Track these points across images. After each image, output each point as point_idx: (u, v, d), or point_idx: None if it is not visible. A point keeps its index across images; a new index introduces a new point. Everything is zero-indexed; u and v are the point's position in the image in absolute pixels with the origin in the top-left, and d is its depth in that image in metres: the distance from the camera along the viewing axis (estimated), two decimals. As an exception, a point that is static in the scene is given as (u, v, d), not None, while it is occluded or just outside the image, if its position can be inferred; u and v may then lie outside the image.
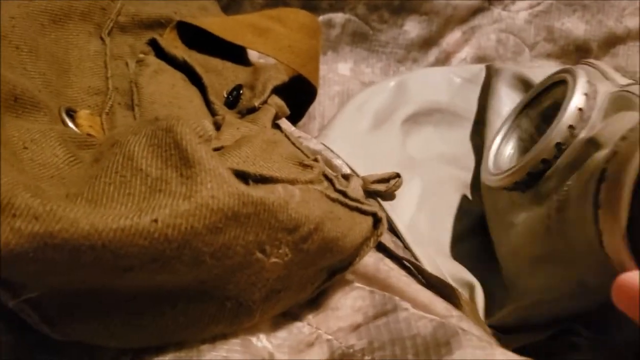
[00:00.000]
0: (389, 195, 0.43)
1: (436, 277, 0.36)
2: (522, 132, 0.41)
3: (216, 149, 0.32)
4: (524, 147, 0.41)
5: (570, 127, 0.33)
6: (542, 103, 0.41)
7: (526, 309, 0.35)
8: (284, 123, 0.45)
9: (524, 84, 0.53)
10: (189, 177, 0.24)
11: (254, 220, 0.25)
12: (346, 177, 0.41)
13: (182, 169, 0.24)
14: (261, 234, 0.25)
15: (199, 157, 0.24)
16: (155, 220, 0.23)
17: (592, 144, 0.31)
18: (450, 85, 0.54)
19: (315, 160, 0.35)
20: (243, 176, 0.29)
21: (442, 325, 0.28)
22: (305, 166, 0.34)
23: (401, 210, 0.42)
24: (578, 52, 0.62)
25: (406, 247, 0.40)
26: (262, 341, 0.28)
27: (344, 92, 0.54)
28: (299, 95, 0.51)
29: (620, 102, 0.32)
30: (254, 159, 0.31)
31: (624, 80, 0.36)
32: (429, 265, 0.38)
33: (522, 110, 0.42)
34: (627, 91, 0.33)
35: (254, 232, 0.25)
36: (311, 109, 0.53)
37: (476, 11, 0.60)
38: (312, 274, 0.29)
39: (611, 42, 0.61)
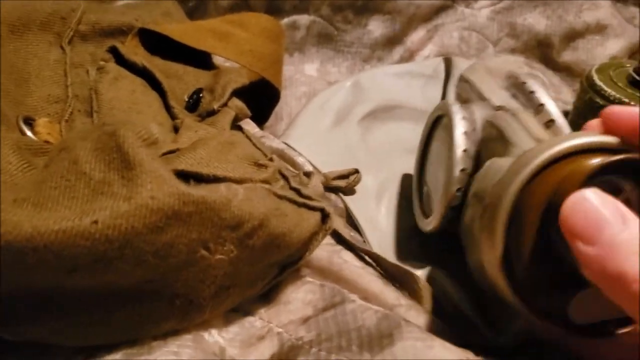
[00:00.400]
0: (350, 191, 0.44)
1: (393, 265, 0.37)
2: (433, 171, 0.42)
3: (172, 151, 0.33)
4: None
5: (462, 170, 0.34)
6: (435, 139, 0.41)
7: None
8: (248, 124, 0.46)
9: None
10: (130, 179, 0.25)
11: (196, 219, 0.26)
12: (308, 174, 0.42)
13: (123, 172, 0.25)
14: (204, 232, 0.26)
15: (139, 160, 0.25)
16: (96, 222, 0.23)
17: (476, 198, 0.32)
18: (408, 82, 0.55)
19: (271, 159, 0.36)
20: (193, 177, 0.30)
21: (386, 317, 0.29)
22: (260, 165, 0.35)
23: (361, 203, 0.43)
24: (540, 47, 0.63)
25: (364, 239, 0.41)
26: (213, 336, 0.29)
27: (310, 93, 0.55)
28: (263, 97, 0.52)
29: (489, 133, 0.33)
30: (209, 160, 0.32)
31: (497, 96, 0.37)
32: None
33: (424, 147, 0.43)
34: (492, 121, 0.34)
35: (196, 230, 0.26)
36: (278, 109, 0.54)
37: (440, 9, 0.62)
38: (261, 269, 0.30)
39: (571, 37, 0.62)
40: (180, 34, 0.46)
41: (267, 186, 0.30)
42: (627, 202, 0.25)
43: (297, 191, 0.35)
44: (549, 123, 0.31)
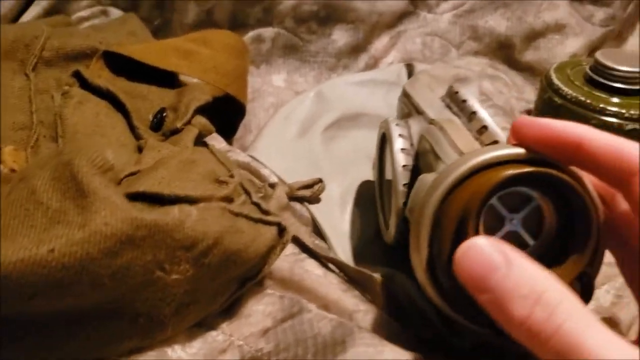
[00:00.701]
0: (315, 200, 0.46)
1: (355, 270, 0.38)
2: (387, 185, 0.43)
3: (133, 173, 0.34)
4: None
5: (405, 184, 0.36)
6: (386, 155, 0.43)
7: None
8: (214, 139, 0.47)
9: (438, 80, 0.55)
10: (84, 207, 0.26)
11: (150, 242, 0.27)
12: (272, 185, 0.44)
13: (78, 200, 0.26)
14: (159, 253, 0.27)
15: (93, 188, 0.26)
16: (52, 250, 0.25)
17: (410, 213, 0.33)
18: (370, 89, 0.56)
19: (231, 176, 0.38)
20: (154, 198, 0.31)
21: (340, 325, 0.31)
22: (221, 182, 0.36)
23: (326, 211, 0.44)
24: (502, 48, 0.64)
25: (330, 247, 0.42)
26: (176, 352, 0.30)
27: (278, 103, 0.57)
28: (230, 111, 0.53)
29: (423, 146, 0.35)
30: (170, 180, 0.33)
31: (432, 108, 0.38)
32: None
33: (380, 162, 0.44)
34: (425, 135, 0.35)
35: (151, 252, 0.27)
36: (247, 121, 0.55)
37: (402, 16, 0.63)
38: (221, 285, 0.31)
39: (532, 37, 0.64)
40: (143, 55, 0.47)
41: (223, 204, 0.31)
42: (539, 210, 0.27)
43: (258, 206, 0.36)
44: (482, 129, 0.33)
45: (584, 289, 0.26)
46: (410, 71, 0.57)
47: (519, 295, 0.22)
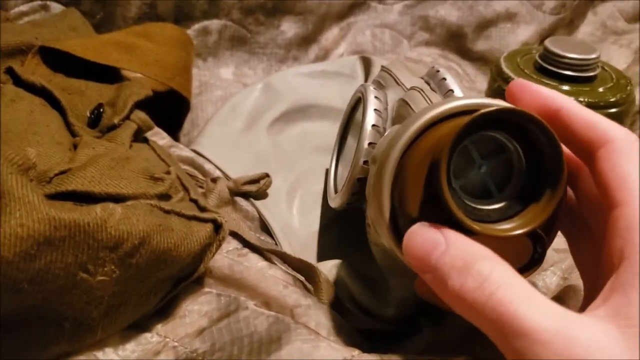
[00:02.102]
0: (261, 195, 0.45)
1: (297, 260, 0.37)
2: (348, 150, 0.43)
3: (63, 172, 0.33)
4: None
5: (370, 144, 0.35)
6: (354, 121, 0.43)
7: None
8: (157, 135, 0.46)
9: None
10: (-1, 209, 0.25)
11: (70, 243, 0.26)
12: (214, 180, 0.43)
13: (-7, 201, 0.25)
14: (81, 254, 0.26)
15: (8, 188, 0.25)
16: (-36, 254, 0.24)
17: (372, 161, 0.33)
18: (321, 81, 0.55)
19: (168, 172, 0.37)
20: (85, 196, 0.30)
21: (276, 321, 0.30)
22: (156, 179, 0.35)
23: (273, 206, 0.44)
24: (454, 38, 0.64)
25: (276, 242, 0.42)
26: (108, 355, 0.29)
27: (226, 97, 0.56)
28: (175, 106, 0.52)
29: (400, 111, 0.35)
30: (100, 178, 0.32)
31: (411, 82, 0.38)
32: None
33: (344, 129, 0.44)
34: (403, 98, 0.35)
35: (72, 254, 0.26)
36: (194, 115, 0.54)
37: (353, 7, 0.62)
38: (153, 285, 0.30)
39: (483, 26, 0.64)
40: (82, 50, 0.46)
41: (152, 202, 0.31)
42: (509, 163, 0.26)
43: (196, 202, 0.36)
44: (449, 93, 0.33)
45: (535, 255, 0.26)
46: (368, 65, 0.56)
47: (455, 269, 0.23)
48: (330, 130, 0.51)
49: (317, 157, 0.48)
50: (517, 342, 0.21)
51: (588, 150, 0.26)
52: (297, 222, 0.45)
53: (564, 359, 0.20)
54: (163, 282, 0.31)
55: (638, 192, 0.23)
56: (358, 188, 0.36)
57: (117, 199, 0.31)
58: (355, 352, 0.29)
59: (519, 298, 0.22)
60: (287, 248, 0.42)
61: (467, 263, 0.23)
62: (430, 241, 0.24)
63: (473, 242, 0.24)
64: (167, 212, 0.31)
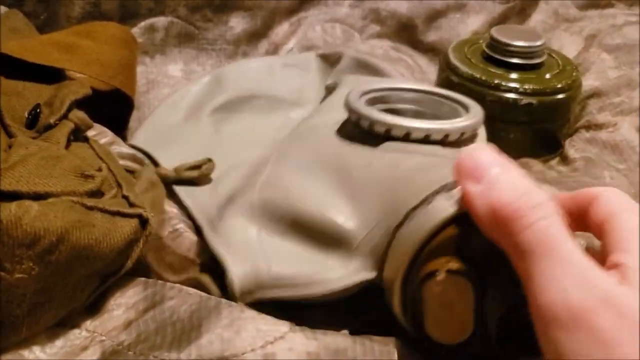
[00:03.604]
0: (205, 180, 0.45)
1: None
2: None
3: (-9, 172, 0.33)
4: None
5: None
6: None
7: None
8: (101, 134, 0.46)
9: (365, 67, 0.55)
10: None
11: (-17, 241, 0.26)
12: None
13: None
14: (-4, 252, 0.26)
15: None
16: None
17: None
18: (271, 72, 0.55)
19: (99, 169, 0.37)
20: (13, 196, 0.30)
21: (199, 309, 0.30)
22: (87, 177, 0.35)
23: (200, 197, 0.43)
24: (405, 30, 0.65)
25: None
26: (35, 353, 0.30)
27: (175, 94, 0.56)
28: (121, 105, 0.52)
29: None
30: (28, 177, 0.32)
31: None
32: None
33: None
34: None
35: (-15, 252, 0.26)
36: (142, 114, 0.54)
37: (303, 1, 0.62)
38: (77, 281, 0.30)
39: (433, 17, 0.64)
40: (20, 51, 0.46)
41: (75, 198, 0.31)
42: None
43: (127, 198, 0.36)
44: None
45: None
46: (331, 60, 0.57)
47: (512, 186, 0.25)
48: (275, 122, 0.51)
49: (254, 150, 0.47)
50: (548, 268, 0.23)
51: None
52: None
53: (587, 295, 0.22)
54: (89, 278, 0.31)
55: None
56: None
57: (44, 197, 0.31)
58: (282, 330, 0.29)
59: (563, 231, 0.24)
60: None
61: (525, 187, 0.25)
62: (494, 158, 0.26)
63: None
64: (90, 208, 0.31)
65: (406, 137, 0.36)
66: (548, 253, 0.23)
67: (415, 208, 0.29)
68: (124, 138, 0.50)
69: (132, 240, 0.32)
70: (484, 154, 0.27)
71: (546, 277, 0.23)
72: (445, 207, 0.28)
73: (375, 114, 0.37)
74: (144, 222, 0.33)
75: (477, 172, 0.26)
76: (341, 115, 0.41)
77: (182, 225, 0.39)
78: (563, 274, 0.22)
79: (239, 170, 0.45)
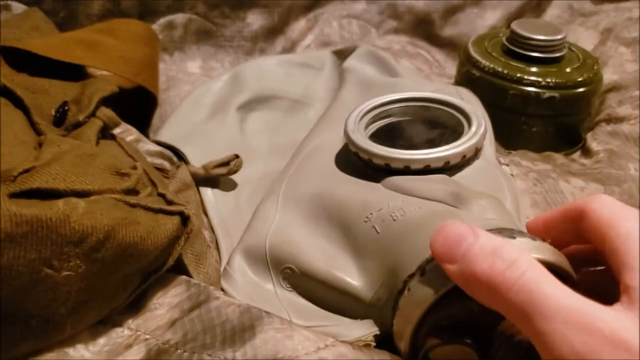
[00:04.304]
0: (231, 183, 0.45)
1: None
2: None
3: (27, 170, 0.32)
4: None
5: None
6: None
7: None
8: (126, 131, 0.46)
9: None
10: (-43, 206, 0.24)
11: (33, 239, 0.25)
12: (177, 167, 0.43)
13: (-49, 200, 0.25)
14: (44, 250, 0.26)
15: (-34, 186, 0.25)
16: None
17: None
18: (288, 72, 0.55)
19: (135, 167, 0.36)
20: (50, 194, 0.29)
21: (248, 310, 0.30)
22: (123, 175, 0.35)
23: (224, 199, 0.43)
24: (422, 25, 0.64)
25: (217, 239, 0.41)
26: (79, 351, 0.29)
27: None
28: (143, 102, 0.52)
29: None
30: (65, 175, 0.32)
31: None
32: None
33: None
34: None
35: (35, 249, 0.26)
36: (164, 111, 0.53)
37: (319, -2, 0.62)
38: (120, 279, 0.30)
39: (451, 11, 0.64)
40: (45, 48, 0.45)
41: (118, 196, 0.30)
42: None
43: (163, 196, 0.35)
44: None
45: None
46: (344, 55, 0.56)
47: (484, 254, 0.24)
48: (294, 124, 0.51)
49: (278, 160, 0.47)
50: (543, 324, 0.22)
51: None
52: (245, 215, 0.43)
53: (589, 338, 0.21)
54: (131, 277, 0.31)
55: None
56: None
57: (82, 194, 0.31)
58: (330, 340, 0.29)
59: (546, 280, 0.23)
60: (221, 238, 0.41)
61: (496, 248, 0.24)
62: (460, 232, 0.25)
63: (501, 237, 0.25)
64: (133, 205, 0.30)
65: (406, 169, 0.36)
66: (539, 309, 0.22)
67: (412, 276, 0.29)
68: (146, 136, 0.50)
69: (174, 238, 0.31)
70: (450, 231, 0.26)
71: (546, 331, 0.22)
72: (441, 278, 0.27)
73: (374, 147, 0.36)
74: (184, 219, 0.32)
75: (450, 253, 0.25)
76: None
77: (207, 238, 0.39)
78: (561, 324, 0.22)
79: (260, 180, 0.45)
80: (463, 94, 0.47)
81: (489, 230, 0.27)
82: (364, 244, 0.33)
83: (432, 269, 0.28)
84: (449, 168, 0.36)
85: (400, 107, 0.42)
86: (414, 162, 0.35)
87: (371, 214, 0.33)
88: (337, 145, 0.40)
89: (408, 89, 0.44)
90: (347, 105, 0.44)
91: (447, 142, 0.36)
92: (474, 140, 0.36)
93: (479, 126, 0.37)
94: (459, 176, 0.36)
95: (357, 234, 0.33)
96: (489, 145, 0.40)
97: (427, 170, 0.35)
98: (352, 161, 0.38)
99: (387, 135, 0.40)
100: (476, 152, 0.37)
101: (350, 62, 0.54)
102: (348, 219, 0.34)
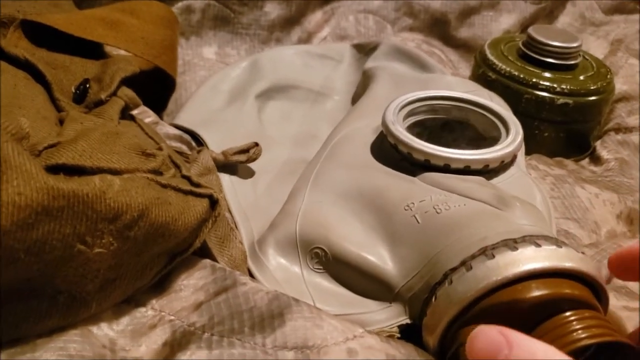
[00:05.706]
0: (249, 171, 0.44)
1: None
2: None
3: (52, 145, 0.32)
4: None
5: None
6: None
7: None
8: (144, 113, 0.45)
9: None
10: (-5, 177, 0.24)
11: (68, 213, 0.25)
12: (199, 151, 0.42)
13: (-11, 169, 0.24)
14: (79, 225, 0.26)
15: (5, 155, 0.24)
16: (-40, 223, 0.23)
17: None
18: (307, 63, 0.55)
19: (160, 148, 0.36)
20: (75, 170, 0.29)
21: (277, 297, 0.30)
22: (148, 155, 0.34)
23: (242, 187, 0.43)
24: (437, 25, 0.64)
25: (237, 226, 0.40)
26: (103, 329, 0.29)
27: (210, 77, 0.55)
28: (160, 85, 0.51)
29: None
30: (91, 152, 0.31)
31: None
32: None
33: None
34: None
35: (70, 224, 0.25)
36: (178, 95, 0.53)
37: (338, -10, 0.62)
38: (148, 259, 0.30)
39: (466, 13, 0.64)
40: (66, 24, 0.45)
41: (149, 175, 0.30)
42: None
43: (188, 179, 0.35)
44: None
45: None
46: (365, 50, 0.56)
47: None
48: (312, 115, 0.51)
49: (297, 149, 0.47)
50: None
51: None
52: (264, 206, 0.43)
53: None
54: (159, 257, 0.30)
55: None
56: None
57: (110, 173, 0.30)
58: (359, 330, 0.29)
59: None
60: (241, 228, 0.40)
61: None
62: (494, 343, 0.25)
63: (536, 340, 0.25)
64: (164, 186, 0.30)
65: (446, 167, 0.36)
66: None
67: (453, 269, 0.29)
68: (161, 119, 0.50)
69: (202, 220, 0.31)
70: (484, 340, 0.25)
71: None
72: (485, 274, 0.27)
73: (414, 141, 0.36)
74: (213, 203, 0.32)
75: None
76: (375, 122, 0.40)
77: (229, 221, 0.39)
78: None
79: (278, 169, 0.45)
80: (494, 98, 0.47)
81: (534, 237, 0.27)
82: (402, 231, 0.33)
83: (477, 265, 0.28)
84: (487, 171, 0.36)
85: (438, 104, 0.42)
86: (454, 161, 0.35)
87: (412, 203, 0.33)
88: (369, 135, 0.40)
89: (442, 87, 0.44)
90: (379, 99, 0.44)
91: (486, 146, 0.36)
92: (512, 147, 0.37)
93: (517, 134, 0.38)
94: (495, 180, 0.36)
95: (395, 221, 0.33)
96: (521, 154, 0.40)
97: (466, 170, 0.35)
98: (386, 152, 0.38)
99: (426, 130, 0.40)
100: (513, 159, 0.38)
101: (377, 62, 0.54)
102: (387, 205, 0.34)
